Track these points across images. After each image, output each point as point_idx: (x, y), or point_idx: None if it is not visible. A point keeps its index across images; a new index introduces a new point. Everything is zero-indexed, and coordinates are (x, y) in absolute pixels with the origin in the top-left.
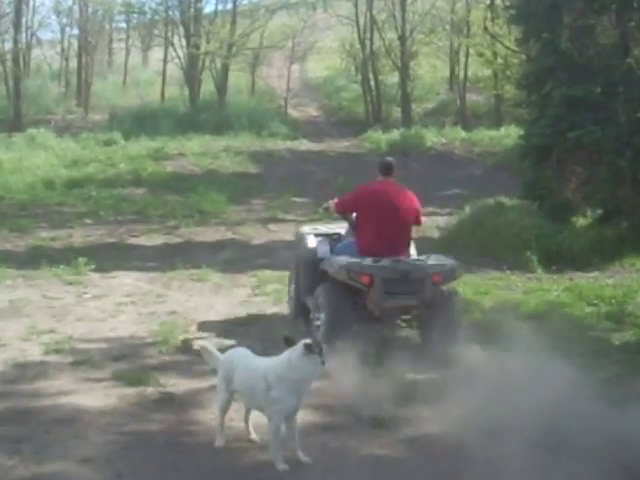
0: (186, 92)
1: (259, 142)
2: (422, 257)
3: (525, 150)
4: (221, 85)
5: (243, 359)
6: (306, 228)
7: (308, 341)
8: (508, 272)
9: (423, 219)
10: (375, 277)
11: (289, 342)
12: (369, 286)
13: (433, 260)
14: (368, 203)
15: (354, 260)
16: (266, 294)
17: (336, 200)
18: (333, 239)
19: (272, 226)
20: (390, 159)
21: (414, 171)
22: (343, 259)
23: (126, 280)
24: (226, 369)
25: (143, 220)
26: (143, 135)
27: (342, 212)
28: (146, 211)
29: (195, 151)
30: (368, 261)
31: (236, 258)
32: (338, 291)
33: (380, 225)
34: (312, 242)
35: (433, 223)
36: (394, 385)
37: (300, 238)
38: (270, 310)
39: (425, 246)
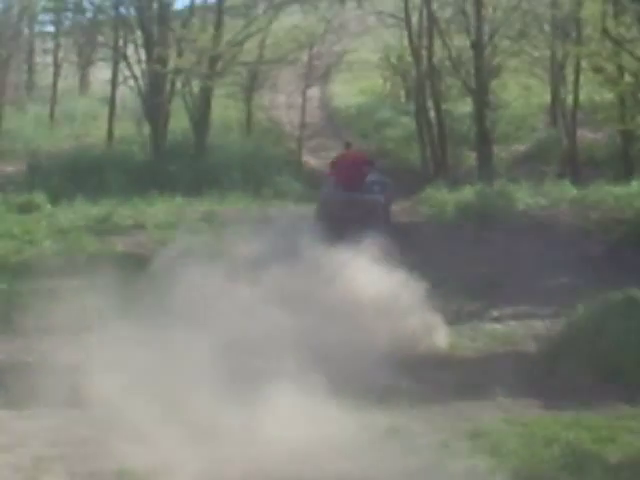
0: (147, 131)
1: (258, 206)
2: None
3: None
4: (200, 120)
5: None
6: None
7: None
8: None
9: (374, 161)
10: (335, 202)
11: None
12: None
13: (367, 194)
14: (338, 161)
15: (330, 192)
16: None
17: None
18: None
19: None
20: (348, 141)
21: (498, 249)
22: (324, 192)
23: (51, 421)
24: None
25: (80, 326)
26: (80, 197)
27: (331, 168)
28: (84, 313)
29: (160, 221)
30: (335, 194)
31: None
32: (323, 208)
33: (342, 172)
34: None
35: (528, 330)
36: None
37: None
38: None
39: (515, 365)
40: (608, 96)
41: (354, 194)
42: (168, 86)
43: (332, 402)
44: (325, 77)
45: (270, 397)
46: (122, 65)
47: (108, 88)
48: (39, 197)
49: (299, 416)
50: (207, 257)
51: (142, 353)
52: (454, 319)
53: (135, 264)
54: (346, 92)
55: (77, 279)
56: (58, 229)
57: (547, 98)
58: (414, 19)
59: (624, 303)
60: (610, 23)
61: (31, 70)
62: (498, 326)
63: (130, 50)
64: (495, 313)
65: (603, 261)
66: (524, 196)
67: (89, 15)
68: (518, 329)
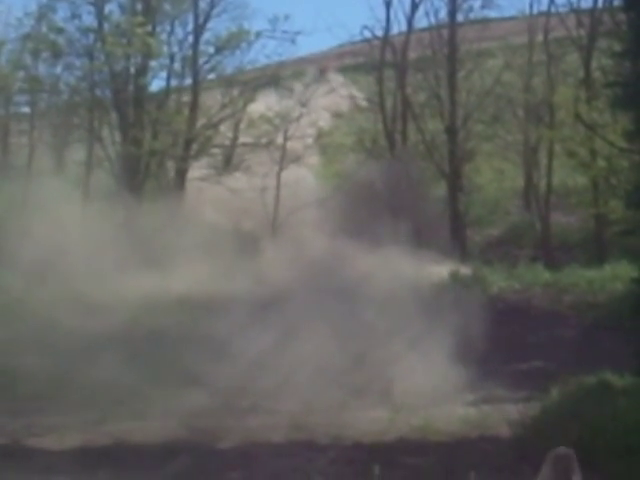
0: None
1: None
2: None
3: None
4: (175, 202)
5: None
6: None
7: None
8: None
9: None
10: None
11: None
12: None
13: None
14: None
15: None
16: None
17: None
18: None
19: (251, 418)
20: None
21: (472, 333)
22: None
23: None
24: None
25: (50, 409)
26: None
27: None
28: (54, 394)
29: (132, 299)
30: None
31: (195, 472)
32: None
33: None
34: None
35: (502, 415)
36: None
37: None
38: None
39: (489, 450)
40: (581, 180)
41: None
42: (143, 168)
43: None
44: (299, 160)
45: None
46: (97, 147)
47: (82, 170)
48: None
49: None
50: None
51: None
52: (428, 402)
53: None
54: (322, 173)
55: (48, 357)
56: None
57: (520, 182)
58: (388, 103)
59: (598, 388)
60: (583, 108)
61: (6, 150)
62: (472, 410)
63: (105, 132)
64: (469, 397)
65: (577, 344)
66: (498, 280)
67: (65, 97)
68: (492, 413)
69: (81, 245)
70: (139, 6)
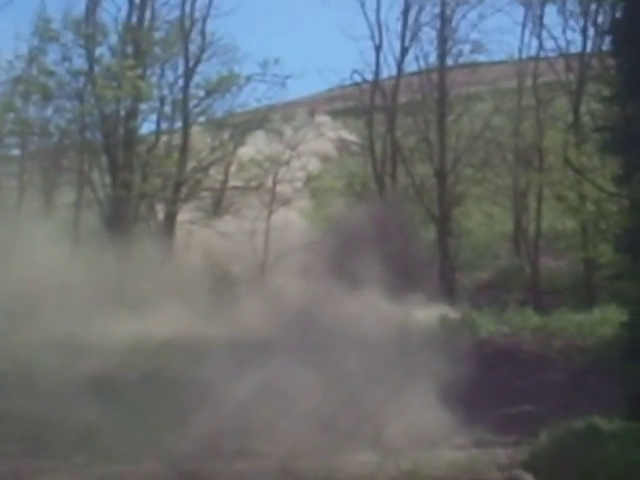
0: (111, 256)
1: None
2: None
3: (630, 345)
4: (164, 245)
5: None
6: None
7: None
8: None
9: None
10: None
11: None
12: None
13: None
14: None
15: None
16: None
17: None
18: None
19: (239, 462)
20: None
21: (460, 377)
22: None
23: None
24: None
25: (37, 452)
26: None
27: None
28: (41, 437)
29: (118, 342)
30: None
31: None
32: None
33: None
34: None
35: (491, 459)
36: None
37: None
38: None
39: None
40: (570, 224)
41: None
42: (132, 211)
43: None
44: (289, 203)
45: None
46: (86, 189)
47: (71, 212)
48: None
49: None
50: None
51: None
52: (417, 446)
53: (102, 381)
54: (311, 216)
55: (37, 399)
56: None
57: (510, 226)
58: (378, 147)
59: (587, 432)
60: (572, 152)
61: None
62: (461, 454)
63: (95, 174)
64: (458, 441)
65: (566, 389)
66: (487, 323)
67: (55, 140)
68: (481, 457)
69: (68, 287)
70: (130, 49)
